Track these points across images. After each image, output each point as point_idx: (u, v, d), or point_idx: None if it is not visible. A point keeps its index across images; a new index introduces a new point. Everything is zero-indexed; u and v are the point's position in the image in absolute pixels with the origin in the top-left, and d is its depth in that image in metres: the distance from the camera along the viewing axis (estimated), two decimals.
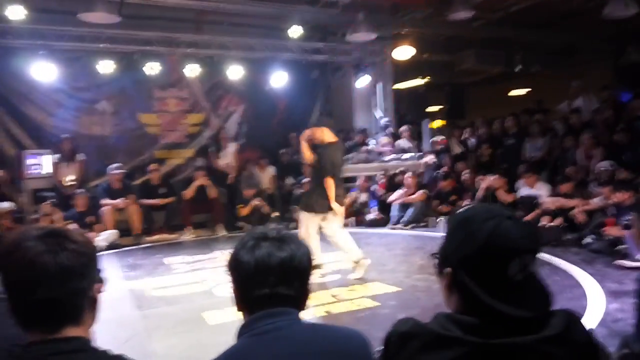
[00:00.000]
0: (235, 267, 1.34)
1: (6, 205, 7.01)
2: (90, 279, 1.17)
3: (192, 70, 9.16)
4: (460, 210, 1.24)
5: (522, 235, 1.12)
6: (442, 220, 8.02)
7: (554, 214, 6.84)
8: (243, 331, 1.29)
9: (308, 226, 5.19)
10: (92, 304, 1.19)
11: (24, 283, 1.10)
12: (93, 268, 1.19)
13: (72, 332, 1.13)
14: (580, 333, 1.13)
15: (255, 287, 1.29)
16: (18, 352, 1.12)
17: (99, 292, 1.21)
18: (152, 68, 8.86)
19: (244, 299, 1.32)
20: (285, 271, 1.30)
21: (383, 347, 1.20)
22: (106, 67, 8.56)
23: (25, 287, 1.10)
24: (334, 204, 5.10)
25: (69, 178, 8.14)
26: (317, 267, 5.06)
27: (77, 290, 1.14)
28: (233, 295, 1.36)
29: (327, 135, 5.24)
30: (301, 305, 1.35)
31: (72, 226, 7.11)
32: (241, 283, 1.33)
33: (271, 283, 1.29)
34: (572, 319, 1.14)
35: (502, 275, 1.10)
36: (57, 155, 8.16)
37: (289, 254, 1.31)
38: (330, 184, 5.04)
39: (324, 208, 5.12)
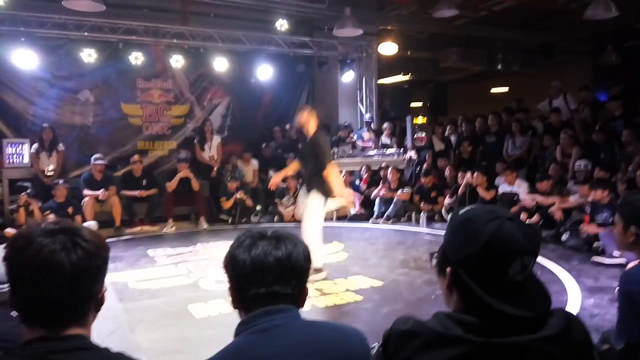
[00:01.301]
0: (232, 265, 1.33)
1: None
2: (101, 282, 1.15)
3: (177, 62, 9.07)
4: (462, 210, 1.24)
5: (523, 237, 1.14)
6: (423, 215, 8.15)
7: (532, 211, 7.02)
8: (242, 328, 1.29)
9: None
10: (98, 306, 1.17)
11: (35, 281, 1.06)
12: (105, 271, 1.15)
13: (75, 331, 1.10)
14: (578, 333, 1.16)
15: (252, 285, 1.29)
16: (16, 350, 1.09)
17: (104, 295, 1.18)
18: (136, 58, 8.74)
19: (241, 297, 1.32)
20: (282, 270, 1.30)
21: (381, 345, 1.21)
22: (89, 56, 8.42)
23: (36, 285, 1.06)
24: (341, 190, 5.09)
25: (49, 168, 8.00)
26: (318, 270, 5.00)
27: (88, 292, 1.11)
28: (229, 293, 1.36)
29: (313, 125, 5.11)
30: (299, 303, 1.35)
31: (50, 217, 7.02)
32: (237, 281, 1.32)
33: (268, 282, 1.29)
34: (571, 318, 1.17)
35: (502, 275, 1.12)
36: (36, 145, 8.02)
37: (285, 253, 1.32)
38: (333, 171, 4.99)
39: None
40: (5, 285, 1.70)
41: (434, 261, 1.28)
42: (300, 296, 1.35)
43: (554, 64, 11.48)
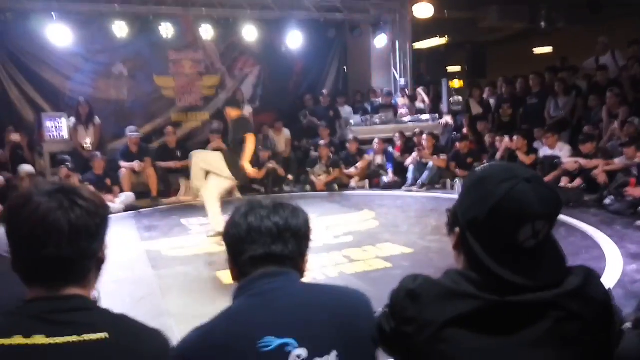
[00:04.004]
0: (229, 233, 1.31)
1: (26, 167, 7.15)
2: (101, 241, 1.14)
3: (206, 32, 9.03)
4: (479, 168, 1.17)
5: (538, 200, 1.05)
6: (457, 182, 7.92)
7: (574, 174, 6.70)
8: (241, 292, 1.25)
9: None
10: (99, 265, 1.16)
11: (33, 239, 1.06)
12: (104, 230, 1.15)
13: (74, 291, 1.10)
14: (597, 290, 1.10)
15: (248, 248, 1.26)
16: (17, 308, 1.08)
17: (105, 254, 1.17)
18: (167, 30, 8.76)
19: (239, 262, 1.28)
20: (280, 232, 1.27)
21: (390, 304, 1.17)
22: (121, 29, 8.49)
23: (34, 243, 1.06)
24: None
25: (87, 141, 8.22)
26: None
27: (87, 251, 1.10)
28: (228, 264, 1.33)
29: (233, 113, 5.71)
30: (299, 268, 1.31)
31: (90, 189, 7.24)
32: (235, 247, 1.29)
33: (266, 243, 1.26)
34: (590, 275, 1.10)
35: (511, 240, 1.05)
36: (74, 119, 8.22)
37: (283, 219, 1.29)
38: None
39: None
40: None
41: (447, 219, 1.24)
42: (299, 261, 1.31)
43: (601, 19, 10.74)
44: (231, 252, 1.31)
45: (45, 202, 1.06)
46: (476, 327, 1.03)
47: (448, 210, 1.24)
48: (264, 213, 1.28)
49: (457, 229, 1.16)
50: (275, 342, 1.14)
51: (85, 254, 1.10)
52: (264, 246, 1.25)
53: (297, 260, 1.29)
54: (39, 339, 1.01)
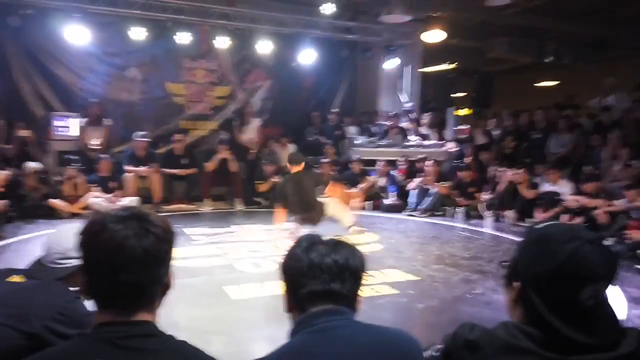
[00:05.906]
0: (289, 265, 1.35)
1: (33, 165, 7.15)
2: (167, 266, 1.19)
3: (222, 43, 9.12)
4: (540, 225, 1.22)
5: (602, 262, 1.11)
6: (460, 211, 8.01)
7: (574, 212, 6.79)
8: (299, 327, 1.28)
9: None
10: (164, 291, 1.20)
11: (109, 266, 1.10)
12: (171, 255, 1.19)
13: (143, 316, 1.14)
14: None
15: (308, 283, 1.29)
16: (89, 333, 1.13)
17: (171, 280, 1.21)
18: (182, 38, 8.83)
19: (296, 296, 1.31)
20: (339, 270, 1.31)
21: (445, 351, 1.21)
22: (138, 34, 8.54)
23: (110, 269, 1.10)
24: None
25: (95, 142, 8.23)
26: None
27: (156, 276, 1.15)
28: (284, 295, 1.36)
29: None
30: (353, 307, 1.35)
31: (95, 190, 7.27)
32: (294, 280, 1.33)
33: (325, 280, 1.30)
34: None
35: (572, 299, 1.10)
36: (84, 119, 8.24)
37: (343, 257, 1.33)
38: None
39: None
40: (69, 261, 1.81)
41: (503, 272, 1.27)
42: (355, 299, 1.36)
43: (608, 59, 10.96)
44: (289, 284, 1.34)
45: (120, 229, 1.10)
46: None
47: (503, 263, 1.28)
48: (324, 250, 1.33)
49: (517, 284, 1.20)
50: None
51: (155, 279, 1.15)
52: (323, 283, 1.29)
53: (352, 299, 1.34)
54: None
